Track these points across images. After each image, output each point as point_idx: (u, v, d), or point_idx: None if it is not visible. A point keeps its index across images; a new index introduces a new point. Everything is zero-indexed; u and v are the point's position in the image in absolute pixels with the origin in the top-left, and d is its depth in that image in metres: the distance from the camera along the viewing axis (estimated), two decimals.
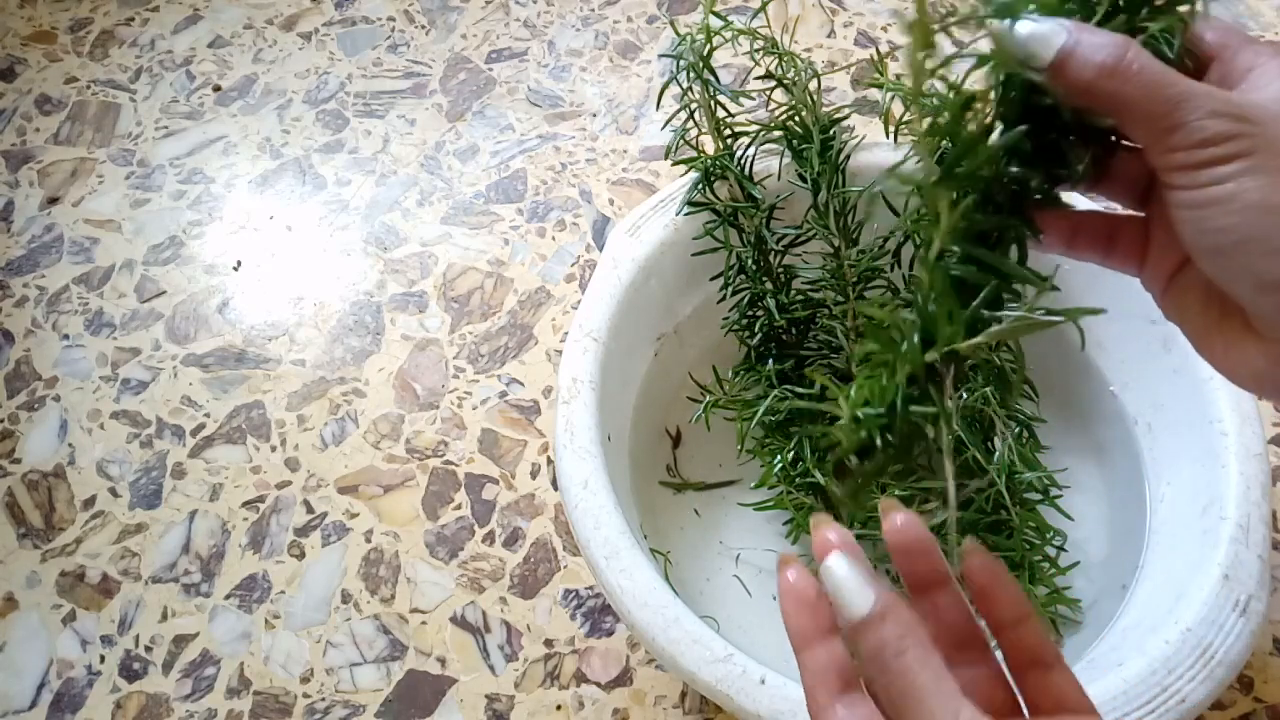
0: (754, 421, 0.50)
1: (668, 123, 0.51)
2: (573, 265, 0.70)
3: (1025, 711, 0.30)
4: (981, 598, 0.31)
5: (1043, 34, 0.29)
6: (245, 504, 0.61)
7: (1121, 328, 0.50)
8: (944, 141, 0.31)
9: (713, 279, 0.53)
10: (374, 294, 0.70)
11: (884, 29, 0.84)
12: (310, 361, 0.67)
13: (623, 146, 0.77)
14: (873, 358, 0.32)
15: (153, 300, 0.71)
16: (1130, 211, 0.34)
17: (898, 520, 0.30)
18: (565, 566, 0.57)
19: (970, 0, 0.30)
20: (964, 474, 0.49)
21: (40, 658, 0.56)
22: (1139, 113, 0.29)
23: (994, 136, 0.30)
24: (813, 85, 0.49)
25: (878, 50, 0.75)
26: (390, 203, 0.75)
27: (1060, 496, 0.51)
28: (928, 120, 0.30)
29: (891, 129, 0.52)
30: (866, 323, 0.35)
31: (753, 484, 0.52)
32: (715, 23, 0.48)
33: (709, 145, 0.51)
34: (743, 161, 0.51)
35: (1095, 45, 0.29)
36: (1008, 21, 0.29)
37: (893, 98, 0.51)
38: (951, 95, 0.30)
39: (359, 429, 0.63)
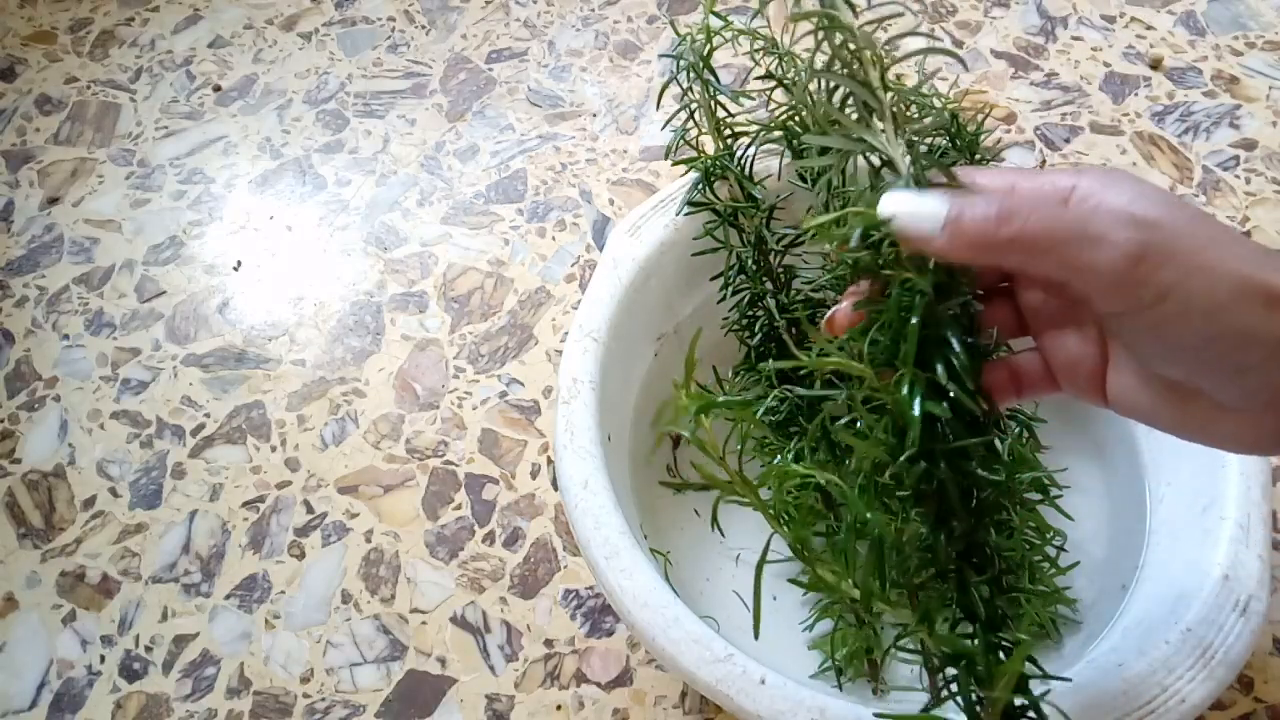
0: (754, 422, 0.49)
1: (668, 123, 0.51)
2: (573, 265, 0.70)
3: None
4: None
5: (926, 210, 0.29)
6: (245, 504, 0.61)
7: None
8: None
9: (713, 279, 0.53)
10: (374, 294, 0.70)
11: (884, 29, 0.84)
12: (310, 361, 0.67)
13: (623, 146, 0.77)
14: None
15: (153, 300, 0.71)
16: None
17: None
18: (565, 566, 0.57)
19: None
20: None
21: (40, 658, 0.56)
22: (1049, 248, 0.29)
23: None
24: (813, 85, 0.49)
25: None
26: (390, 203, 0.75)
27: (1060, 496, 0.51)
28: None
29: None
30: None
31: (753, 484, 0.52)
32: (715, 23, 0.48)
33: (709, 145, 0.51)
34: (743, 161, 0.51)
35: (978, 203, 0.29)
36: (888, 207, 0.29)
37: (892, 98, 0.51)
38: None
39: (359, 429, 0.63)
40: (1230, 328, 0.28)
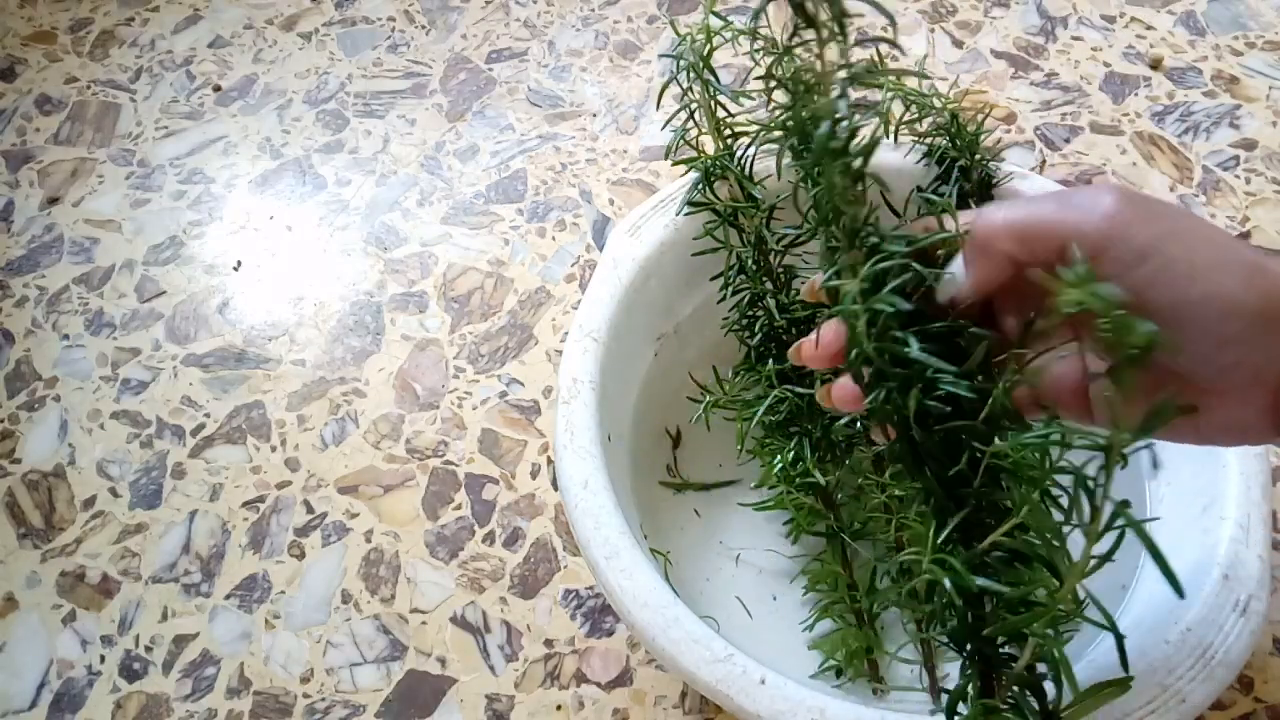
0: (754, 421, 0.49)
1: (668, 123, 0.51)
2: (573, 265, 0.70)
3: None
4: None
5: (947, 279, 0.35)
6: (245, 504, 0.61)
7: None
8: None
9: (713, 279, 0.53)
10: (374, 294, 0.70)
11: (884, 29, 0.84)
12: (310, 361, 0.67)
13: (623, 146, 0.77)
14: None
15: (153, 300, 0.71)
16: None
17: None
18: (565, 566, 0.57)
19: None
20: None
21: (40, 658, 0.56)
22: (1039, 231, 0.32)
23: None
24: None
25: (878, 50, 0.75)
26: (390, 203, 0.75)
27: (1061, 496, 0.50)
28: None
29: (891, 129, 0.52)
30: None
31: (753, 484, 0.52)
32: (715, 23, 0.48)
33: (709, 145, 0.51)
34: (743, 161, 0.51)
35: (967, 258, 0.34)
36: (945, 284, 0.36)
37: (893, 97, 0.51)
38: None
39: (359, 429, 0.63)
40: (1211, 293, 0.29)
